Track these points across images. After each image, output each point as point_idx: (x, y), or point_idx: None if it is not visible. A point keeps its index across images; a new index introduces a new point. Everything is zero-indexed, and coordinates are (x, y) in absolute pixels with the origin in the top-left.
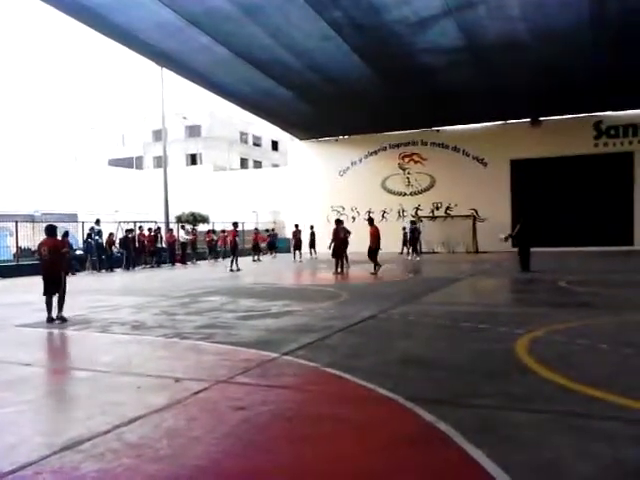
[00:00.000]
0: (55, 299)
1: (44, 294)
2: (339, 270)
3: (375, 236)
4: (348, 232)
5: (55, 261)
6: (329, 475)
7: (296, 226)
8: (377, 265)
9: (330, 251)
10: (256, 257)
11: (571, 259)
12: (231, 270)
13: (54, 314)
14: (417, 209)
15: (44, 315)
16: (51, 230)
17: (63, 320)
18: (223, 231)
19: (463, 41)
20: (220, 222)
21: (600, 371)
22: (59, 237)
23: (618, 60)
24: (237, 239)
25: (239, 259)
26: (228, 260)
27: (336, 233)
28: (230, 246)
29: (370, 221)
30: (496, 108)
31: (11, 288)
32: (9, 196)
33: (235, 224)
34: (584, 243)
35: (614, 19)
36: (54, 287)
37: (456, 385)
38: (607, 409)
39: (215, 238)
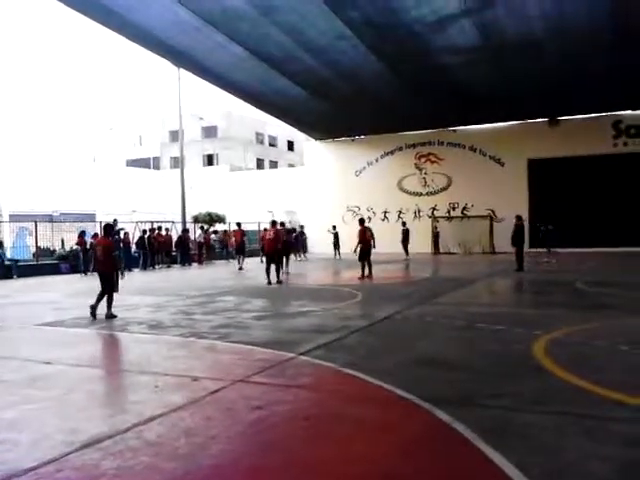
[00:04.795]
0: (106, 297)
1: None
2: (365, 274)
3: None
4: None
5: (106, 260)
6: (345, 476)
7: (334, 227)
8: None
9: (356, 254)
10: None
11: (589, 260)
12: (240, 269)
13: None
14: (433, 209)
15: (64, 314)
16: (106, 230)
17: (112, 317)
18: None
19: (480, 40)
20: (235, 222)
21: (619, 373)
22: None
23: (638, 58)
24: (244, 239)
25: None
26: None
27: (363, 234)
28: (236, 246)
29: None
30: (513, 107)
31: (31, 287)
32: (29, 196)
33: (239, 224)
34: (603, 244)
35: (633, 15)
36: (104, 285)
37: (473, 386)
38: (626, 411)
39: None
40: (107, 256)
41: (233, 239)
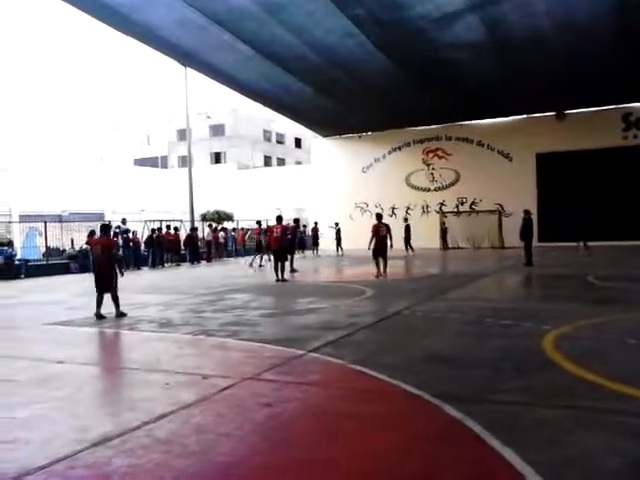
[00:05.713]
0: (108, 297)
1: (96, 291)
2: (381, 271)
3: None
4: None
5: (107, 260)
6: (356, 472)
7: (336, 224)
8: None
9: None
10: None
11: (599, 254)
12: (251, 265)
13: (104, 311)
14: (441, 205)
15: (73, 313)
16: (104, 229)
17: (122, 315)
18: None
19: (487, 35)
20: (244, 220)
21: (629, 367)
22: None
23: None
24: (261, 237)
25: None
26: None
27: (376, 230)
28: (256, 243)
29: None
30: (520, 102)
31: (41, 287)
32: (38, 196)
33: (259, 222)
34: (613, 238)
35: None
36: (105, 285)
37: (483, 381)
38: (637, 405)
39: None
40: (107, 255)
41: (247, 236)
